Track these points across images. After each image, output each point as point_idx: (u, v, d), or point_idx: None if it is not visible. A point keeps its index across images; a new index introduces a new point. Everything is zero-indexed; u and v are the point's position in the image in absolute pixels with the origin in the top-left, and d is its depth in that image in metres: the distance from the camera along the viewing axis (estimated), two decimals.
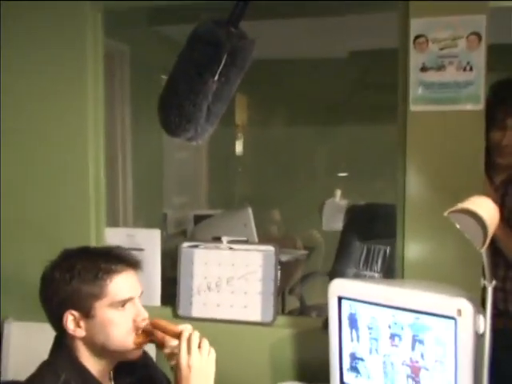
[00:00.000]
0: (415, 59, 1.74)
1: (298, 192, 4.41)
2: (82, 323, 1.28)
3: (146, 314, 1.33)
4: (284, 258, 3.36)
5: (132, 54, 3.30)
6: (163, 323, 1.32)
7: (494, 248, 1.74)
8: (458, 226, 1.11)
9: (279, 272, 2.77)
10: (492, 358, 1.33)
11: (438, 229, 1.75)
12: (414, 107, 1.76)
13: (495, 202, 1.25)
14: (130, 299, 1.31)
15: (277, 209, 3.97)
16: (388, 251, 3.26)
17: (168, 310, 2.07)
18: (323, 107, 4.25)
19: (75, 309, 1.28)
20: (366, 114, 3.94)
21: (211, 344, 1.89)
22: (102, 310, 1.28)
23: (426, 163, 1.78)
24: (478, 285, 1.37)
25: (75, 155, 2.09)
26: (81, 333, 1.29)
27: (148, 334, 1.31)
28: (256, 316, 1.98)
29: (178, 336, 1.28)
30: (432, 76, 1.73)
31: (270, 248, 2.00)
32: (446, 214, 1.10)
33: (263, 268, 1.99)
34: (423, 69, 1.73)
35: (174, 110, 1.44)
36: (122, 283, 1.31)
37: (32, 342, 1.43)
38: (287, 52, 3.97)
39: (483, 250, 1.13)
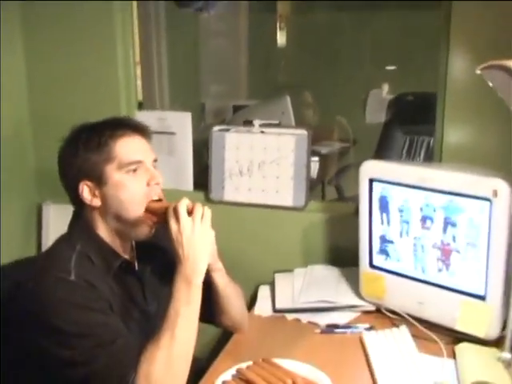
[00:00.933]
0: None
1: (340, 83, 4.25)
2: (97, 192, 1.28)
3: (159, 179, 1.31)
4: (324, 151, 3.31)
5: None
6: (154, 204, 1.29)
7: None
8: (490, 84, 1.01)
9: (318, 163, 2.73)
10: None
11: (478, 114, 1.65)
12: None
13: None
14: (138, 162, 1.29)
15: (308, 91, 3.84)
16: (431, 142, 3.15)
17: (200, 195, 2.07)
18: None
19: (88, 178, 1.27)
20: None
21: (245, 227, 1.89)
22: (113, 174, 1.27)
23: (470, 46, 1.65)
24: None
25: (102, 38, 2.03)
26: (97, 202, 1.28)
27: (161, 213, 1.27)
28: (288, 200, 1.96)
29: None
30: None
31: (303, 132, 1.93)
32: (478, 70, 1.01)
33: (295, 152, 1.93)
34: None
35: None
36: (128, 145, 1.29)
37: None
38: None
39: None
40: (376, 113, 3.98)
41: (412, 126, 3.36)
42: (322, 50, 4.35)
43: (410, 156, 3.31)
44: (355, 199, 3.24)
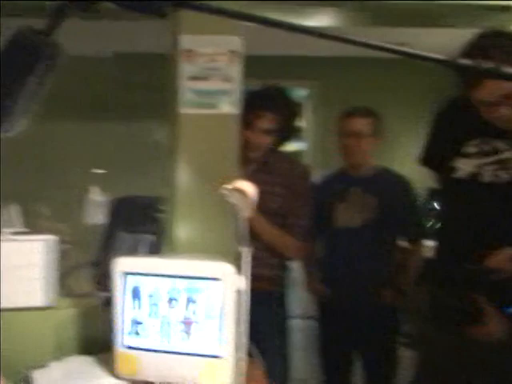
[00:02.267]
0: (185, 69, 2.08)
1: (60, 187, 4.45)
2: None
3: None
4: None
5: None
6: None
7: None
8: (229, 201, 1.45)
9: None
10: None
11: (204, 212, 2.10)
12: (183, 110, 2.09)
13: None
14: None
15: (42, 203, 3.97)
16: (154, 239, 3.52)
17: None
18: (87, 104, 4.36)
19: None
20: (131, 112, 4.17)
21: None
22: None
23: (195, 157, 2.13)
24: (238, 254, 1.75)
25: None
26: None
27: None
28: (39, 301, 2.11)
29: None
30: (199, 84, 2.08)
31: (53, 237, 2.14)
32: (220, 190, 1.44)
33: (45, 256, 2.11)
34: (191, 77, 2.07)
35: None
36: None
37: None
38: None
39: (245, 219, 1.49)
40: (93, 214, 4.24)
41: (133, 226, 3.70)
42: (40, 153, 4.50)
43: (135, 252, 3.63)
44: (86, 295, 3.39)
